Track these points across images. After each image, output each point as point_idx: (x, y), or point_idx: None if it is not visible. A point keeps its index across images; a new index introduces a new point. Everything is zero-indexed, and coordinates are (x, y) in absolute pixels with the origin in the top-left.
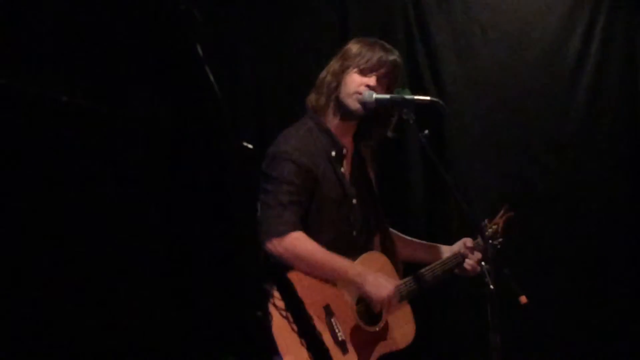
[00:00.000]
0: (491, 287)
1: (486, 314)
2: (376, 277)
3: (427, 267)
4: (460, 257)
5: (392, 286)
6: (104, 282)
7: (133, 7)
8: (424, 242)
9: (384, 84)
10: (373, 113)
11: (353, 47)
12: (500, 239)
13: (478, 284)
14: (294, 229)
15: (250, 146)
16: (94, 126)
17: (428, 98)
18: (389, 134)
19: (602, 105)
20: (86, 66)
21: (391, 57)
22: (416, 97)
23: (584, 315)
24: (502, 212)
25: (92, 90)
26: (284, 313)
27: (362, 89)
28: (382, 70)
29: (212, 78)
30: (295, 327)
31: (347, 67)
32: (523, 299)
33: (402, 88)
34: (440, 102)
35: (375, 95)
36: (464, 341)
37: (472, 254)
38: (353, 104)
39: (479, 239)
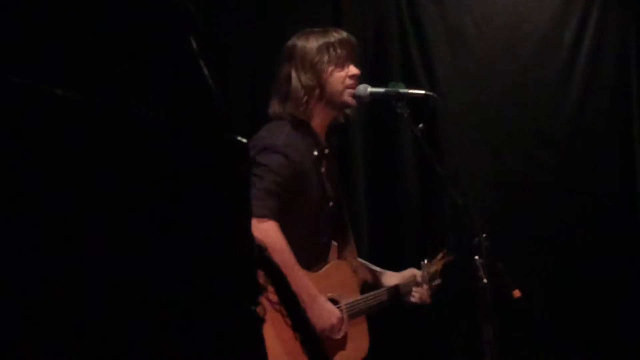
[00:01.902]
0: (484, 281)
1: (479, 308)
2: (323, 305)
3: (387, 288)
4: (414, 283)
5: (335, 318)
6: (98, 279)
7: (127, 0)
8: (373, 266)
9: (357, 62)
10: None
11: (308, 44)
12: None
13: (471, 279)
14: (273, 217)
15: (244, 140)
16: (89, 120)
17: (422, 92)
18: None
19: (595, 99)
20: (80, 59)
21: (345, 35)
22: (410, 90)
23: (577, 309)
24: (441, 255)
25: (87, 84)
26: (277, 307)
27: (349, 81)
28: (352, 52)
29: (206, 72)
30: (289, 321)
31: (323, 69)
32: (516, 293)
33: (396, 82)
34: (434, 95)
35: (369, 89)
36: (457, 335)
37: (425, 284)
38: (350, 100)
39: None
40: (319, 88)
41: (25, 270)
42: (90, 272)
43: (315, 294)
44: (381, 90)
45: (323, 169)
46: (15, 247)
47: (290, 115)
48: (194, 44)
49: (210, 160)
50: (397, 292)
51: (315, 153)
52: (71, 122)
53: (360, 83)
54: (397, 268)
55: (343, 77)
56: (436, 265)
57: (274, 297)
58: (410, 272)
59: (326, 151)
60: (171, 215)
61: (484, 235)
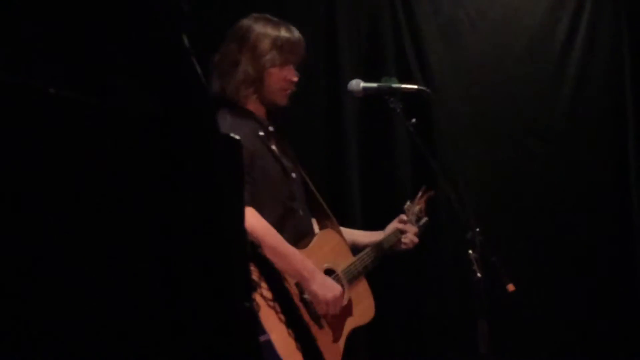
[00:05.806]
0: (478, 275)
1: (474, 302)
2: (324, 277)
3: (372, 245)
4: (399, 233)
5: (338, 290)
6: (94, 277)
7: None
8: (353, 230)
9: (299, 67)
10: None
11: (264, 35)
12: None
13: (466, 272)
14: (247, 204)
15: (237, 137)
16: (83, 118)
17: (415, 86)
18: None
19: (588, 93)
20: (73, 58)
21: (297, 36)
22: (403, 85)
23: (571, 301)
24: (420, 192)
25: (79, 83)
26: (271, 303)
27: (285, 85)
28: (299, 56)
29: (199, 69)
30: (282, 317)
31: (267, 65)
32: (510, 287)
33: (389, 77)
34: (427, 90)
35: (362, 84)
36: (451, 329)
37: (409, 228)
38: (282, 100)
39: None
40: (258, 82)
41: (23, 270)
42: (86, 270)
43: (313, 269)
44: (374, 85)
45: (273, 147)
46: (11, 247)
47: (229, 100)
48: (186, 41)
49: (203, 156)
50: (382, 247)
51: (261, 133)
52: (64, 120)
53: (353, 77)
54: (393, 261)
55: (282, 79)
56: (419, 204)
57: (267, 294)
58: (393, 225)
59: (270, 129)
60: (165, 212)
61: (478, 229)
